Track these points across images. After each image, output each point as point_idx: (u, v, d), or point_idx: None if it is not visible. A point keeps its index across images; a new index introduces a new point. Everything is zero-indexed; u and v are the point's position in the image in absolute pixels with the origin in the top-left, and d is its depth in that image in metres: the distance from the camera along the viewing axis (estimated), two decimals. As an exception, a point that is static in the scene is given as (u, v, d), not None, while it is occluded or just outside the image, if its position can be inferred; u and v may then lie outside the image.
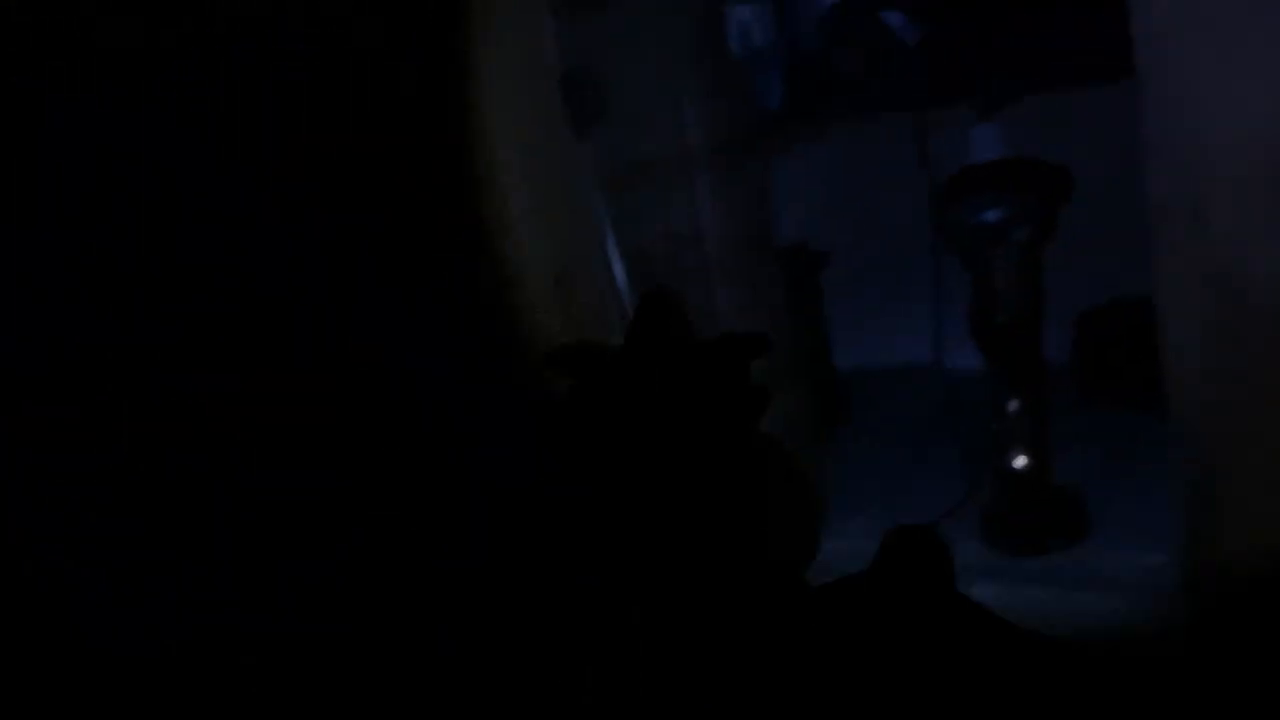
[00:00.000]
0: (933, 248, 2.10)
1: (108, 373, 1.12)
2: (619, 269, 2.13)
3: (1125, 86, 1.67)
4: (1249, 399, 1.54)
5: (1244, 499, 1.59)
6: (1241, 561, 1.60)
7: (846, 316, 2.50)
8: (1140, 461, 2.08)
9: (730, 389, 0.82)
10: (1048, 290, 1.90)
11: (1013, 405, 1.93)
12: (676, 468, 0.78)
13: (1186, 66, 1.47)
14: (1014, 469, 1.99)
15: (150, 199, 1.13)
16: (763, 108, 2.31)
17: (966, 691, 0.75)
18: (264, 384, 1.27)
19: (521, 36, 1.98)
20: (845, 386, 2.55)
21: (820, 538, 0.84)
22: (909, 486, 2.21)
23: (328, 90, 1.37)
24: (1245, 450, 1.60)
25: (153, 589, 1.19)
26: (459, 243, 1.80)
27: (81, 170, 1.09)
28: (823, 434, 2.40)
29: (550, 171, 2.02)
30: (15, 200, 1.03)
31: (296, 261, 1.29)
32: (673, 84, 2.10)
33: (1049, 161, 1.86)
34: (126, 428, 1.13)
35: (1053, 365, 2.02)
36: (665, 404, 0.80)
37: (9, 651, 1.08)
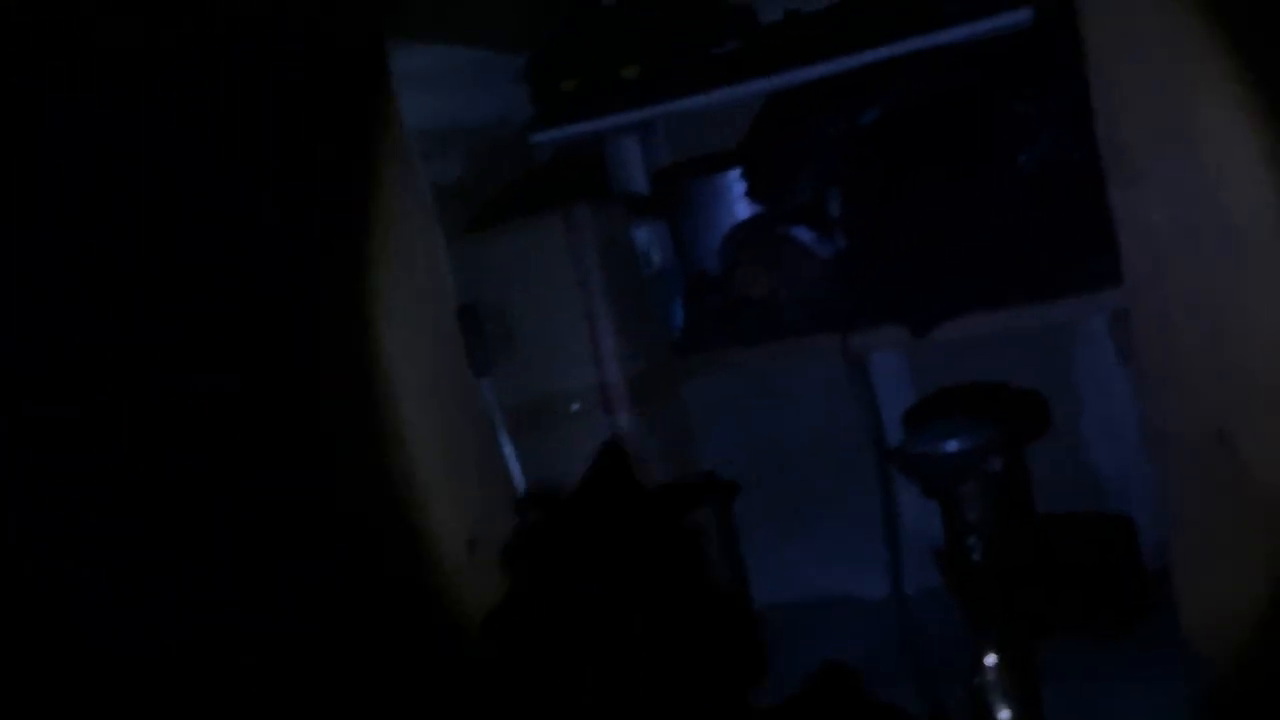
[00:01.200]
0: (880, 476, 1.93)
1: (108, 373, 1.11)
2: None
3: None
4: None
5: None
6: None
7: (766, 551, 2.28)
8: (1117, 696, 1.92)
9: (674, 529, 0.92)
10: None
11: (991, 659, 1.73)
12: (626, 595, 0.86)
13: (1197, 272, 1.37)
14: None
15: (150, 199, 1.11)
16: (671, 334, 2.14)
17: None
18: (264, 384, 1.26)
19: (418, 270, 1.76)
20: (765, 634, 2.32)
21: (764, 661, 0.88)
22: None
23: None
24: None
25: (153, 589, 1.17)
26: (365, 516, 1.53)
27: (81, 170, 1.06)
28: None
29: (456, 420, 1.77)
30: (15, 200, 0.99)
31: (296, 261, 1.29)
32: (580, 312, 1.90)
33: (1016, 387, 1.73)
34: (126, 428, 1.12)
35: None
36: (618, 542, 0.88)
37: (9, 651, 1.08)
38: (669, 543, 0.90)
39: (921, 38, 1.93)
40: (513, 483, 1.83)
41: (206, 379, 1.20)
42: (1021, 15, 1.82)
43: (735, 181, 2.22)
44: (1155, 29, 1.41)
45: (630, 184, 2.35)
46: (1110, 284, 1.68)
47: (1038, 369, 2.14)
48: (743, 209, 2.22)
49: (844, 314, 1.97)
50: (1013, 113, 1.86)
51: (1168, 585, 1.67)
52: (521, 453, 1.87)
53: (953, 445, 1.73)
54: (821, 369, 2.08)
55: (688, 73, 2.05)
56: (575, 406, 1.80)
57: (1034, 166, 1.87)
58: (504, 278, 1.89)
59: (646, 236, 2.16)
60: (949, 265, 1.90)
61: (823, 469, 2.18)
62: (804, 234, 2.07)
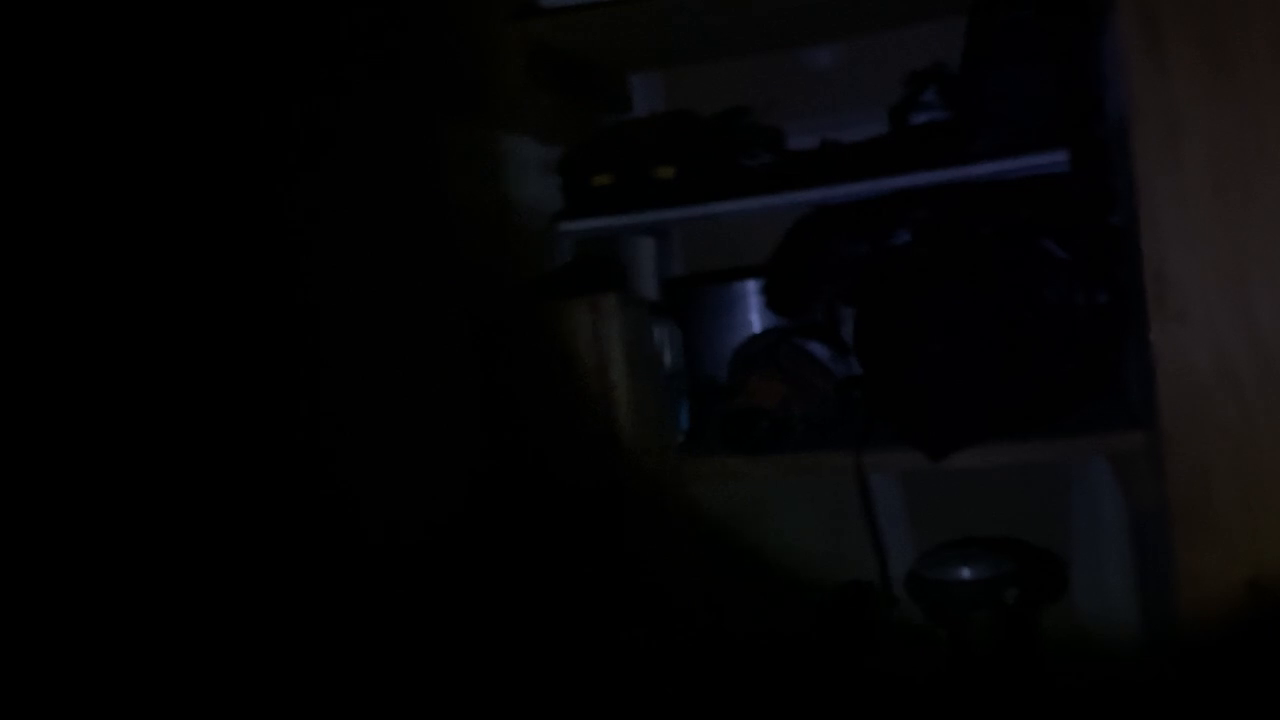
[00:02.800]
0: (888, 601, 1.89)
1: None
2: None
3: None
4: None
5: None
6: None
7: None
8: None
9: None
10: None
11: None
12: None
13: (1239, 415, 1.38)
14: None
15: (151, 198, 1.07)
16: (677, 436, 2.12)
17: None
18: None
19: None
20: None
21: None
22: None
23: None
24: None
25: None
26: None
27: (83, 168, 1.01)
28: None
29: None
30: (15, 199, 0.94)
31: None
32: (602, 402, 1.88)
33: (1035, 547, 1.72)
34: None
35: None
36: None
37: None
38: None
39: (952, 170, 1.97)
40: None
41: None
42: (1057, 157, 1.87)
43: (749, 294, 2.24)
44: (1204, 167, 1.45)
45: (645, 287, 2.36)
46: (1116, 427, 1.71)
47: (1032, 507, 2.15)
48: (755, 321, 2.23)
49: (854, 433, 1.97)
50: (1040, 250, 1.90)
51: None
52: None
53: (967, 573, 1.71)
54: (827, 486, 2.07)
55: (719, 180, 2.07)
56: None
57: (1056, 304, 1.90)
58: (528, 359, 1.87)
59: (660, 338, 2.15)
60: (965, 394, 1.90)
61: (819, 587, 2.14)
62: (819, 349, 2.08)
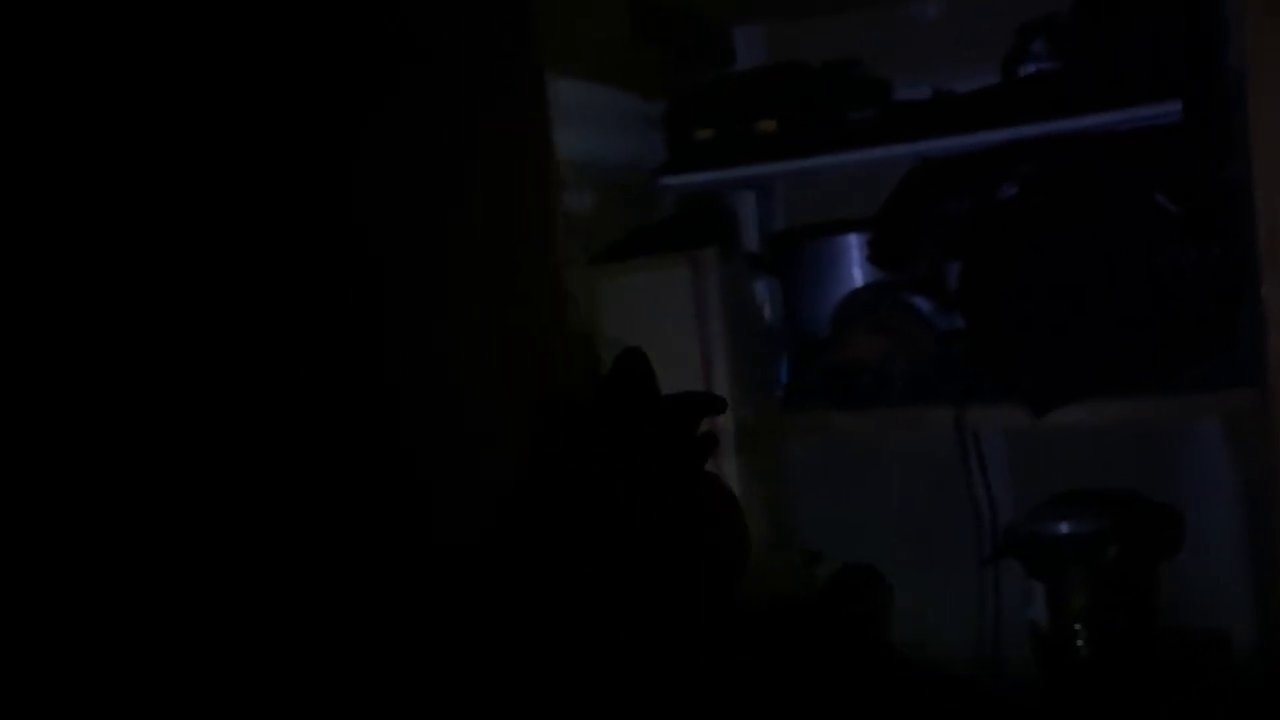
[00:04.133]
0: (981, 555, 1.89)
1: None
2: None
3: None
4: None
5: None
6: None
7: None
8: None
9: (685, 434, 0.98)
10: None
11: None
12: (633, 496, 0.92)
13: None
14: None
15: (151, 198, 1.06)
16: (777, 391, 2.13)
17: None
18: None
19: (546, 297, 1.76)
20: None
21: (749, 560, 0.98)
22: None
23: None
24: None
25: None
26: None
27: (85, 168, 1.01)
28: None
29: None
30: (14, 199, 0.94)
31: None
32: (697, 355, 1.90)
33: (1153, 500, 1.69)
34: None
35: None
36: (629, 442, 0.94)
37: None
38: (674, 448, 0.95)
39: (1061, 121, 1.93)
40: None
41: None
42: (1170, 107, 1.83)
43: (852, 248, 2.23)
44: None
45: (746, 241, 2.37)
46: (1225, 386, 1.67)
47: (1139, 467, 2.11)
48: (858, 275, 2.23)
49: (957, 388, 1.96)
50: (1151, 204, 1.86)
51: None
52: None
53: (1064, 528, 1.70)
54: (927, 442, 2.06)
55: (823, 133, 2.06)
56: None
57: (1166, 260, 1.86)
58: (623, 314, 1.90)
59: (761, 292, 2.16)
60: (1071, 349, 1.88)
61: (916, 543, 2.14)
62: (923, 304, 2.07)
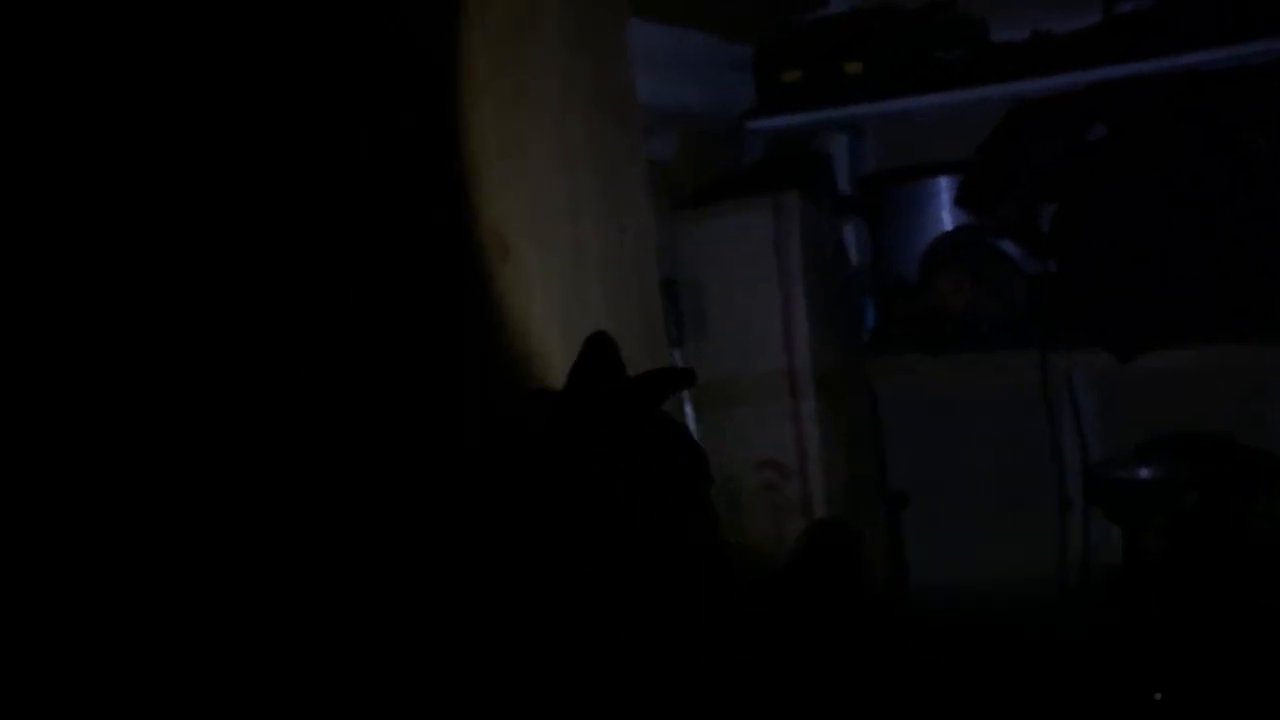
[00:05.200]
0: (1063, 498, 1.88)
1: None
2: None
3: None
4: None
5: None
6: None
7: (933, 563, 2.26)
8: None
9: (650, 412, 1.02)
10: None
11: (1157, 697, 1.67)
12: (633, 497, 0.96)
13: None
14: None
15: (150, 198, 1.06)
16: (862, 334, 2.14)
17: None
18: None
19: (631, 241, 1.80)
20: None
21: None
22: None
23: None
24: None
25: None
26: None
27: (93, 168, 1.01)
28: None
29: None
30: (14, 198, 0.95)
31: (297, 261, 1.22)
32: (779, 298, 1.91)
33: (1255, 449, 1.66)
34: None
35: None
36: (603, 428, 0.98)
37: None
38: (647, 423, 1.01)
39: (1158, 60, 1.89)
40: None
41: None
42: (1270, 45, 1.77)
43: (941, 191, 2.21)
44: None
45: (836, 184, 2.37)
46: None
47: (1235, 411, 2.07)
48: (947, 219, 2.21)
49: (1044, 333, 1.94)
50: (1249, 146, 1.81)
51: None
52: (701, 429, 1.90)
53: (1144, 473, 1.69)
54: (1013, 387, 2.05)
55: (911, 75, 2.04)
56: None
57: (1262, 203, 1.81)
58: (707, 257, 1.92)
59: (848, 235, 2.16)
60: (1160, 295, 1.85)
61: (1000, 486, 2.14)
62: (1012, 248, 2.05)
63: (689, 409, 1.88)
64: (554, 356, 1.50)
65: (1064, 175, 1.97)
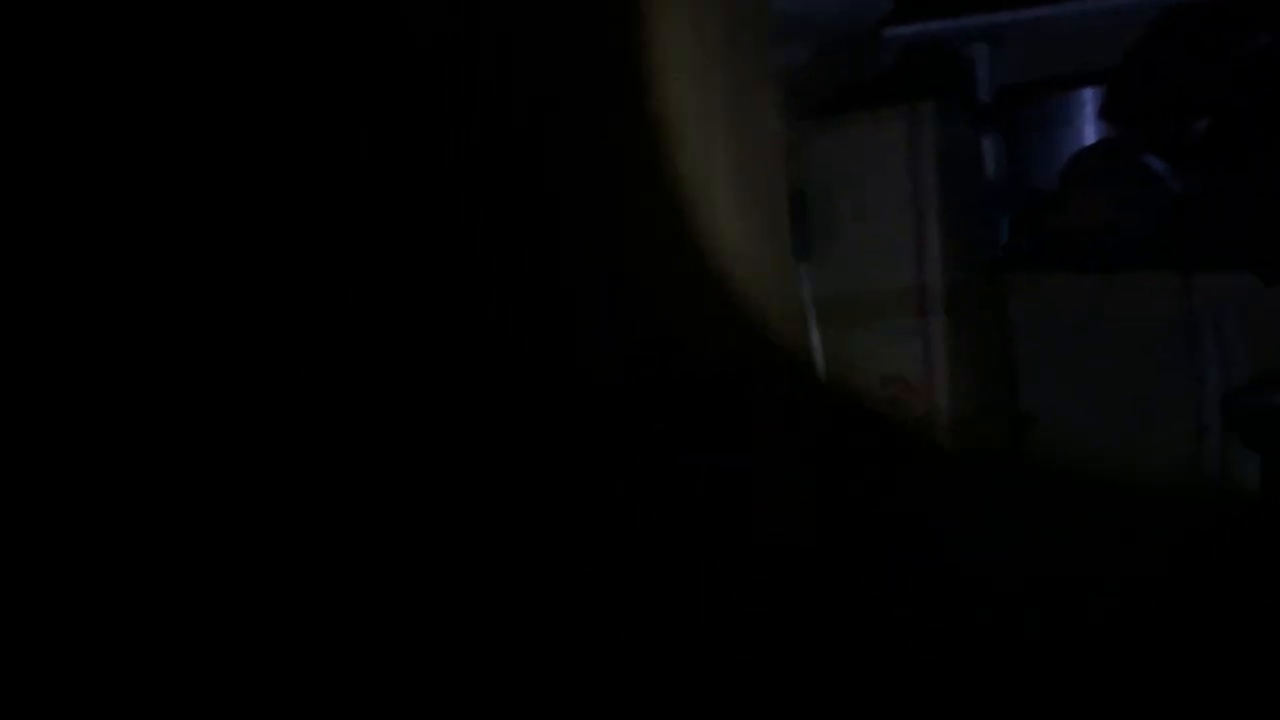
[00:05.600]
0: (1199, 426, 1.83)
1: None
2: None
3: None
4: None
5: None
6: None
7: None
8: None
9: None
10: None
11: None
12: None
13: None
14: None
15: (149, 197, 1.02)
16: (996, 249, 2.09)
17: None
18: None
19: (762, 151, 1.77)
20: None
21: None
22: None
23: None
24: None
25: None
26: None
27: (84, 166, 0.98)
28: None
29: (775, 304, 1.79)
30: (14, 198, 0.94)
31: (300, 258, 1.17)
32: (911, 210, 1.87)
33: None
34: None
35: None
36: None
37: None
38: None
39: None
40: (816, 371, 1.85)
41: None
42: None
43: (1085, 103, 2.13)
44: None
45: (975, 94, 2.29)
46: None
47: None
48: (1090, 132, 2.13)
49: (1188, 254, 1.87)
50: None
51: None
52: (826, 347, 1.88)
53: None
54: (1151, 308, 1.98)
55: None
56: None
57: None
58: (837, 168, 1.89)
59: (984, 148, 2.10)
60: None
61: (1134, 410, 2.08)
62: (1158, 164, 1.96)
63: (813, 328, 1.86)
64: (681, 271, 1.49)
65: (1220, 87, 1.88)
